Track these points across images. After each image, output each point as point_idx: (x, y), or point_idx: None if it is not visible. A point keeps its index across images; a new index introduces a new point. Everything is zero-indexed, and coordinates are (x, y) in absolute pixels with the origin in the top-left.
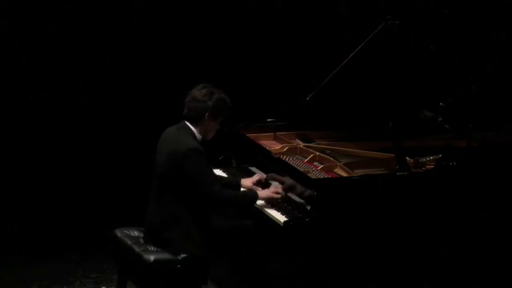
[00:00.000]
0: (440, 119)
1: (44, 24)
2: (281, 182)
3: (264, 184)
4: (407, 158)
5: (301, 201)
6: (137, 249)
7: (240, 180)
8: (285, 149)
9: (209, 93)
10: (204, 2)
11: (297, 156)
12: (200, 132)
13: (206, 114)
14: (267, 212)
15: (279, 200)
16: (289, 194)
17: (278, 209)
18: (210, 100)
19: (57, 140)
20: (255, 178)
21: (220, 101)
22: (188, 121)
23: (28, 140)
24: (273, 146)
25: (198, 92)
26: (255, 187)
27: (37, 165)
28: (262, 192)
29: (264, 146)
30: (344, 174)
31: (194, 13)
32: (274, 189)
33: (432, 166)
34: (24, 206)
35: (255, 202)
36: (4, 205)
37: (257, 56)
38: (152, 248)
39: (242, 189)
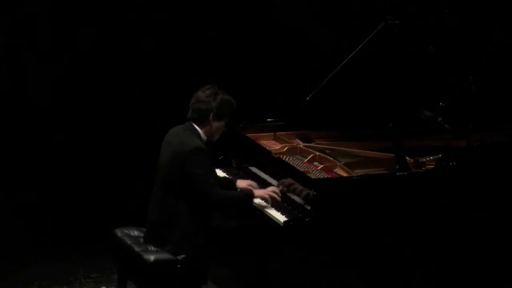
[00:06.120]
0: (440, 119)
1: (44, 23)
2: (290, 189)
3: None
4: (407, 158)
5: (301, 201)
6: (137, 249)
7: (235, 181)
8: (285, 149)
9: (213, 94)
10: (206, 2)
11: (297, 156)
12: (205, 133)
13: (211, 115)
14: (267, 212)
15: (280, 196)
16: (289, 194)
17: (278, 209)
18: (214, 101)
19: (57, 140)
20: (249, 181)
21: (224, 101)
22: (193, 122)
23: (28, 140)
24: (273, 146)
25: (203, 93)
26: (250, 188)
27: (37, 165)
28: (257, 191)
29: (264, 146)
30: (344, 174)
31: (195, 13)
32: (271, 189)
33: (432, 166)
34: (23, 206)
35: (251, 201)
36: (4, 205)
37: (257, 56)
38: (152, 248)
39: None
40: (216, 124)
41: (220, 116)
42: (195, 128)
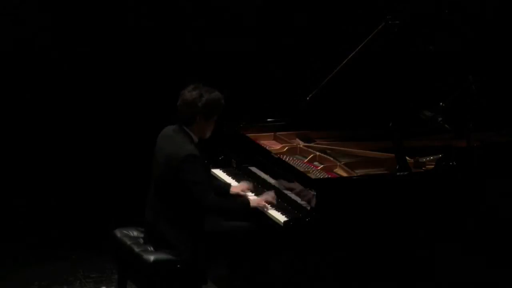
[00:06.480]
0: (440, 119)
1: (42, 23)
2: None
3: (255, 191)
4: (407, 158)
5: (301, 201)
6: (136, 249)
7: (229, 186)
8: (285, 149)
9: (198, 95)
10: (204, 1)
11: (297, 156)
12: (196, 134)
13: (198, 117)
14: (267, 212)
15: (275, 203)
16: (289, 194)
17: (278, 209)
18: (200, 102)
19: (57, 140)
20: (243, 185)
21: (210, 101)
22: (182, 124)
23: (28, 139)
24: (273, 146)
25: (189, 94)
26: (243, 194)
27: (37, 165)
28: (253, 201)
29: (264, 146)
30: (344, 174)
31: (194, 12)
32: (266, 196)
33: (432, 166)
34: (24, 206)
35: (247, 209)
36: (4, 205)
37: (257, 56)
38: (152, 248)
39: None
40: (205, 124)
41: (208, 117)
42: (185, 130)
